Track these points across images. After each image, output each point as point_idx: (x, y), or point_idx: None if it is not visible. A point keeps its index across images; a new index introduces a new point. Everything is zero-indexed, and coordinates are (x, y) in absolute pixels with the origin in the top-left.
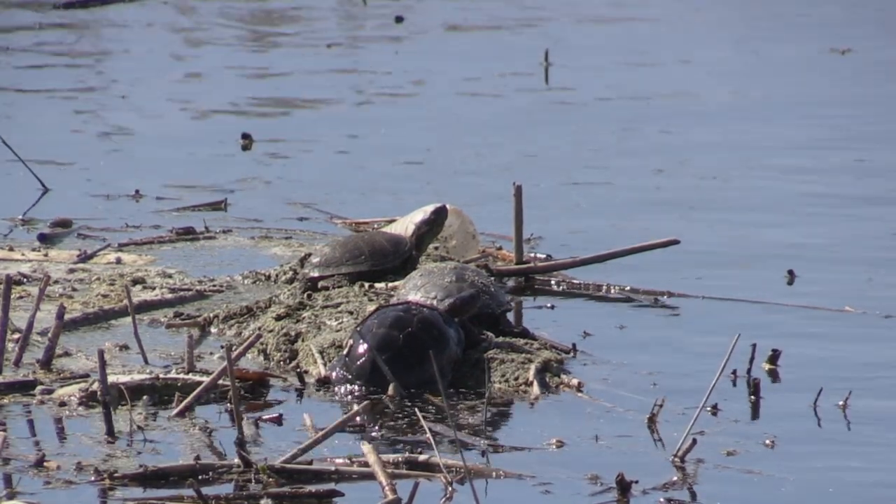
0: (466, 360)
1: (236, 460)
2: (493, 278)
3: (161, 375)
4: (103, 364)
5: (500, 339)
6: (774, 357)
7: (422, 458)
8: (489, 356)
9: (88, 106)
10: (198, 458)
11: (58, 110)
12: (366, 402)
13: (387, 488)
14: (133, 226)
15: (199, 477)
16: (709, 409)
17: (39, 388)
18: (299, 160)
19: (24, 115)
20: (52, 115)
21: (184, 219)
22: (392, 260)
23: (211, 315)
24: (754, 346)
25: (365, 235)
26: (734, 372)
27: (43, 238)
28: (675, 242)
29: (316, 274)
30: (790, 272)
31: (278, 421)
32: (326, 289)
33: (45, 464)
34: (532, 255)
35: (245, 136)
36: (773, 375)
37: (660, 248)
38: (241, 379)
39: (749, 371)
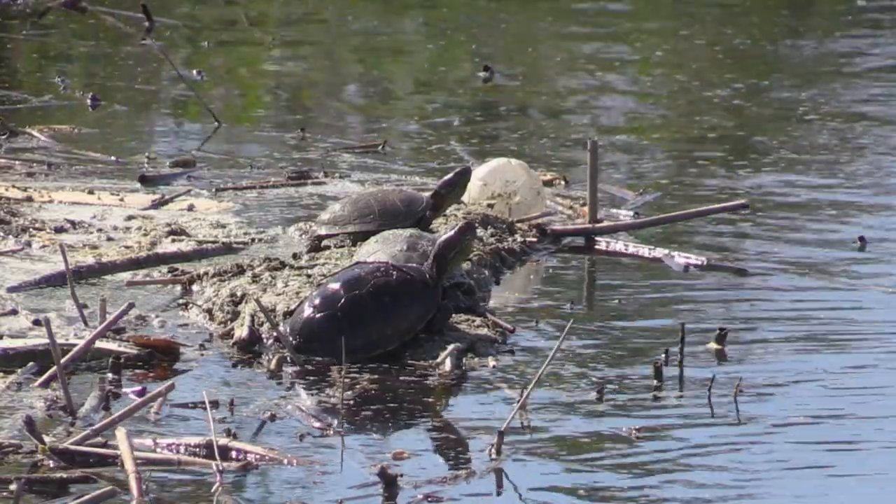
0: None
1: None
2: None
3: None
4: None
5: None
6: (721, 337)
7: (222, 442)
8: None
9: None
10: None
11: None
12: (169, 384)
13: (131, 476)
14: (259, 168)
15: None
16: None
17: None
18: None
19: None
20: None
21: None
22: (403, 220)
23: (200, 272)
24: (683, 325)
25: (378, 193)
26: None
27: (143, 180)
28: (745, 206)
29: (323, 232)
30: (861, 239)
31: (140, 394)
32: (328, 248)
33: None
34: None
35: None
36: (721, 356)
37: (728, 211)
38: (143, 346)
39: (681, 352)
